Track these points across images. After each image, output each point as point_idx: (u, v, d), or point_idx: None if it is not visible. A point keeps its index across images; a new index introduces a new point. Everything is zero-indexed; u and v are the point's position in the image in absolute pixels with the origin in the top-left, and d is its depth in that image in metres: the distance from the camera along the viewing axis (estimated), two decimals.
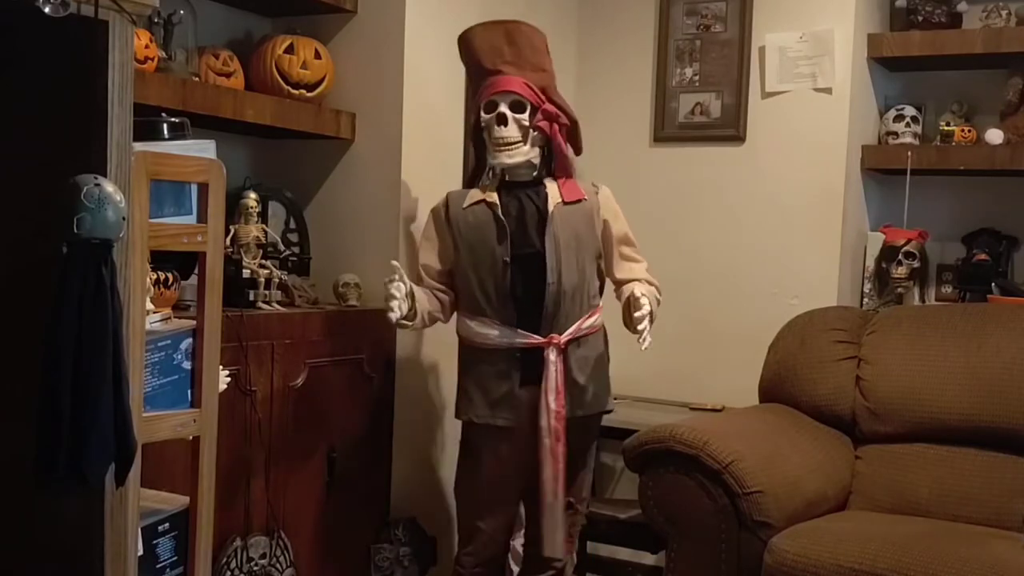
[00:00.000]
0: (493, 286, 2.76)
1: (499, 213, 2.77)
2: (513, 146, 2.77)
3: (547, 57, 2.89)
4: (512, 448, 2.80)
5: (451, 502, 3.05)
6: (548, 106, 2.81)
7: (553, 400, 2.74)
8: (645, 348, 2.70)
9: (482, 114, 2.78)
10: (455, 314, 2.88)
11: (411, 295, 2.71)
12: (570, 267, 2.77)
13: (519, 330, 2.75)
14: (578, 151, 2.96)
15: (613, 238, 2.90)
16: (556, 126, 2.81)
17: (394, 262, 2.69)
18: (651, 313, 2.73)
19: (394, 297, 2.65)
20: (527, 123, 2.78)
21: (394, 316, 2.66)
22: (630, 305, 2.77)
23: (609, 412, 2.96)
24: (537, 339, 2.75)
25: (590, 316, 2.83)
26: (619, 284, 2.91)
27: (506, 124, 2.75)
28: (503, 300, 2.76)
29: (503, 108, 2.76)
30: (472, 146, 2.92)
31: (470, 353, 2.84)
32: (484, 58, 2.81)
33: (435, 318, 2.85)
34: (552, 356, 2.75)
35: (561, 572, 2.98)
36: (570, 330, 2.78)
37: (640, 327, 2.70)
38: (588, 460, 2.97)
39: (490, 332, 2.77)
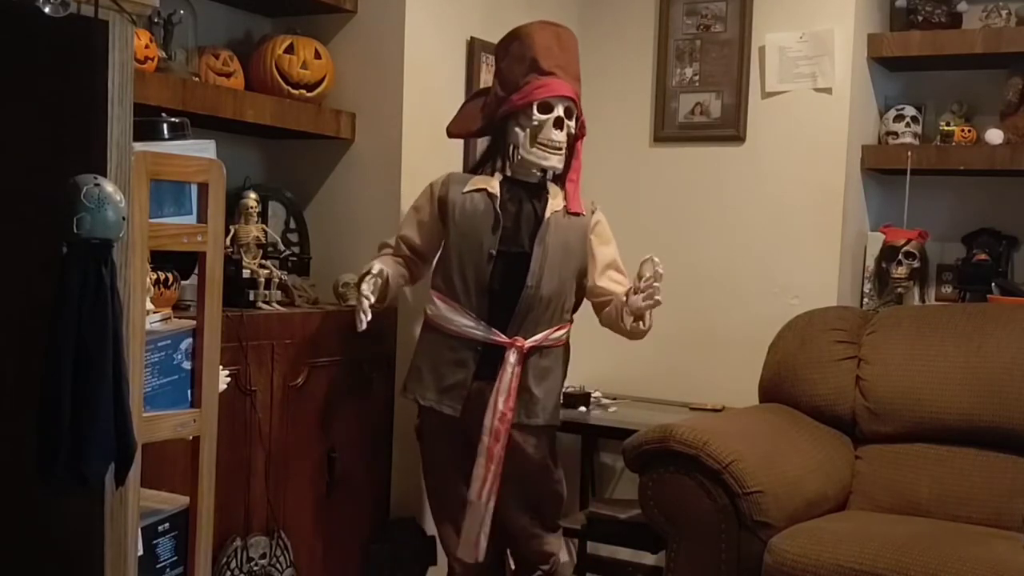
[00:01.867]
0: (473, 275, 2.77)
1: (497, 205, 2.78)
2: (560, 151, 2.80)
3: (580, 67, 2.92)
4: (457, 440, 2.82)
5: None
6: (583, 118, 2.86)
7: (502, 402, 2.74)
8: (657, 299, 2.67)
9: (535, 112, 2.77)
10: (430, 293, 2.88)
11: (385, 283, 2.76)
12: (552, 275, 2.78)
13: (487, 325, 2.76)
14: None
15: (598, 262, 2.88)
16: (581, 139, 2.87)
17: (364, 287, 2.70)
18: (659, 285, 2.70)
19: (364, 313, 2.67)
20: (573, 131, 2.82)
21: (361, 328, 2.69)
22: (637, 278, 2.73)
23: (557, 428, 2.93)
24: (502, 338, 2.76)
25: (559, 329, 2.84)
26: (603, 292, 2.88)
27: (562, 128, 2.78)
28: (479, 292, 2.77)
29: (561, 112, 2.78)
30: (490, 133, 2.90)
31: (433, 334, 2.84)
32: (542, 56, 2.79)
33: (400, 284, 2.90)
34: (512, 358, 2.75)
35: (551, 572, 2.98)
36: (536, 337, 2.78)
37: (656, 282, 2.65)
38: (550, 481, 2.92)
39: (458, 319, 2.78)
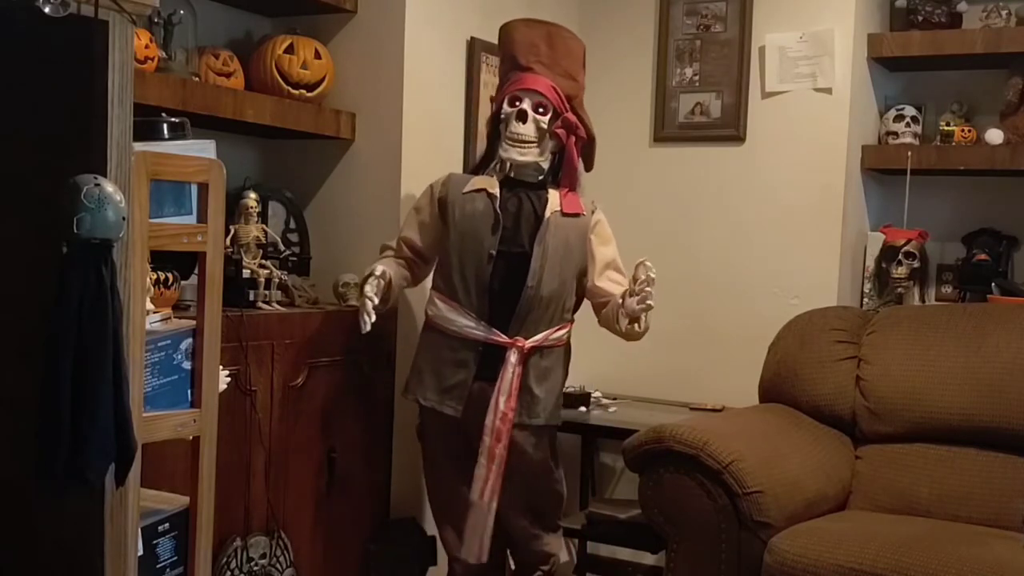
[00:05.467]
0: (473, 275, 2.77)
1: (497, 206, 2.78)
2: (526, 144, 2.78)
3: (581, 68, 2.93)
4: (458, 440, 2.82)
5: None
6: (569, 115, 2.83)
7: (504, 402, 2.74)
8: (649, 303, 2.66)
9: (505, 106, 2.79)
10: (430, 294, 2.88)
11: (388, 284, 2.75)
12: (552, 275, 2.78)
13: (488, 325, 2.76)
14: (589, 167, 2.98)
15: (598, 262, 2.88)
16: (573, 138, 2.83)
17: (368, 288, 2.69)
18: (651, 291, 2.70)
19: (368, 315, 2.67)
20: (546, 126, 2.80)
21: (365, 330, 2.69)
22: (632, 281, 2.73)
23: (558, 427, 2.94)
24: (503, 338, 2.76)
25: (560, 328, 2.84)
26: (602, 293, 2.88)
27: (524, 121, 2.77)
28: (480, 291, 2.76)
29: (525, 105, 2.78)
30: (487, 135, 2.92)
31: (434, 335, 2.84)
32: (519, 52, 2.82)
33: (402, 286, 2.90)
34: (513, 358, 2.75)
35: (551, 572, 2.98)
36: (537, 337, 2.78)
37: (648, 288, 2.65)
38: (551, 480, 2.93)
39: (459, 320, 2.78)
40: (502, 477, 2.77)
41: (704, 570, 2.68)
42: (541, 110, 2.78)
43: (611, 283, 2.89)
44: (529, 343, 2.77)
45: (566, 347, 2.92)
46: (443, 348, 2.81)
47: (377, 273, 2.74)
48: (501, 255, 2.77)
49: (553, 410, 2.87)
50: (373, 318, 2.69)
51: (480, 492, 2.77)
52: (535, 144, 2.79)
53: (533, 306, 2.76)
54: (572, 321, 2.91)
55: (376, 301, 2.70)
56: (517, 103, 2.78)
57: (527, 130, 2.77)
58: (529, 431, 2.81)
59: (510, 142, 2.79)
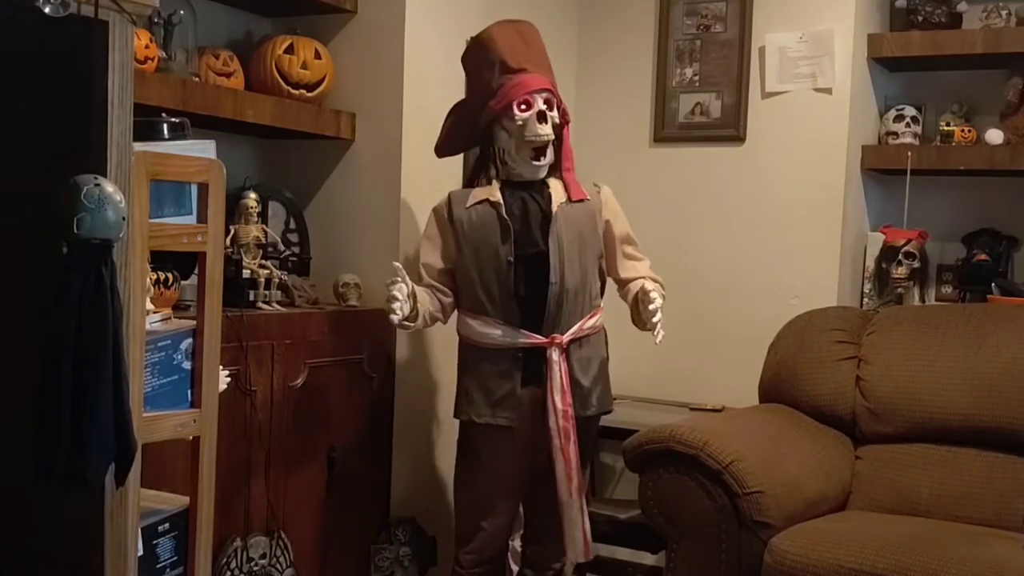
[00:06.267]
0: (496, 286, 2.76)
1: (503, 213, 2.77)
2: (546, 147, 2.77)
3: (548, 56, 2.91)
4: (513, 448, 2.80)
5: (451, 502, 3.05)
6: (564, 104, 2.84)
7: (560, 400, 2.74)
8: (659, 341, 2.73)
9: (516, 112, 2.75)
10: (455, 313, 2.88)
11: (413, 295, 2.71)
12: (573, 267, 2.77)
13: (522, 330, 2.75)
14: None
15: (616, 238, 2.90)
16: (566, 126, 2.85)
17: (396, 264, 2.69)
18: (661, 307, 2.75)
19: (396, 299, 2.64)
20: (558, 121, 2.80)
21: (396, 318, 2.65)
22: (639, 302, 2.79)
23: (609, 412, 2.96)
24: (540, 339, 2.75)
25: (592, 316, 2.84)
26: (623, 283, 2.92)
27: (546, 121, 2.76)
28: (506, 300, 2.75)
29: (541, 105, 2.76)
30: (480, 144, 2.88)
31: (471, 352, 2.83)
32: (508, 56, 2.79)
33: (435, 318, 2.84)
34: (555, 356, 2.75)
35: (560, 572, 2.98)
36: (572, 330, 2.78)
37: (655, 319, 2.72)
38: (586, 461, 2.97)
39: (492, 332, 2.77)
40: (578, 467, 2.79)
41: (704, 570, 2.68)
42: (548, 106, 2.78)
43: (629, 264, 2.91)
44: (566, 337, 2.77)
45: (602, 332, 2.92)
46: (484, 363, 2.80)
47: (400, 277, 2.68)
48: (519, 259, 2.75)
49: (602, 396, 2.88)
50: (407, 305, 2.64)
51: (568, 492, 2.78)
52: (550, 143, 2.79)
53: (561, 301, 2.76)
54: (601, 307, 2.90)
55: (408, 287, 2.65)
56: (528, 106, 2.76)
57: (548, 130, 2.77)
58: (582, 423, 2.82)
59: (526, 152, 2.76)
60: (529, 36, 2.86)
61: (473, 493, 2.88)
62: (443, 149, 2.98)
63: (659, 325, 2.73)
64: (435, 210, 2.87)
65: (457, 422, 2.90)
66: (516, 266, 2.75)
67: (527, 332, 2.75)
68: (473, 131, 2.86)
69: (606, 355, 2.94)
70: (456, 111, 2.95)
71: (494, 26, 2.86)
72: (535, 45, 2.86)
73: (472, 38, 2.87)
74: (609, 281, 2.96)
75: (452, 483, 3.01)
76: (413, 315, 2.72)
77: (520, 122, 2.75)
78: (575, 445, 2.77)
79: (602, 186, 2.92)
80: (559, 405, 2.74)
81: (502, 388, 2.78)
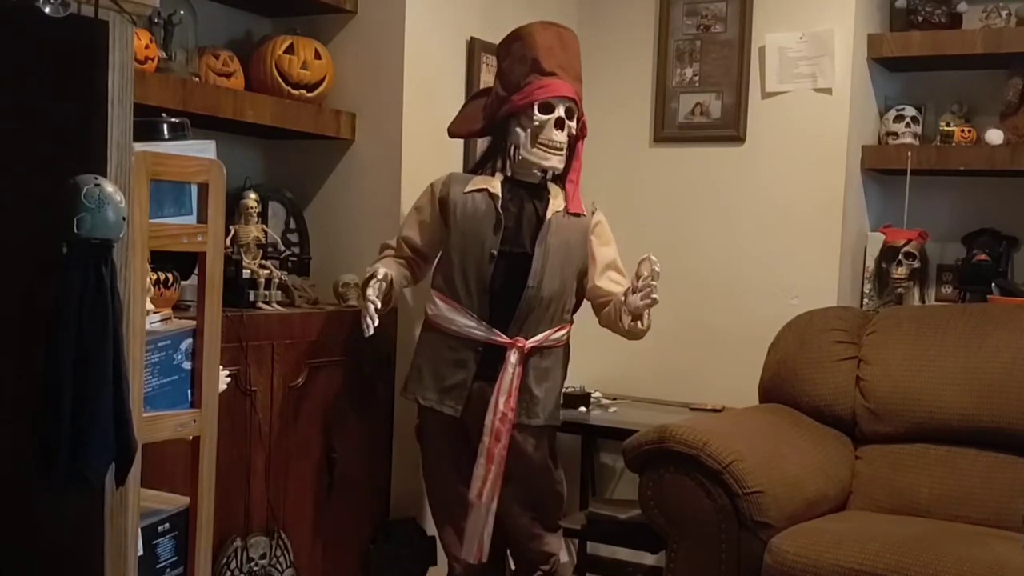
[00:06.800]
0: (475, 275, 2.77)
1: (499, 206, 2.77)
2: (560, 151, 2.79)
3: (581, 67, 2.92)
4: (457, 440, 2.82)
5: None
6: (584, 118, 2.86)
7: (503, 402, 2.74)
8: (642, 303, 2.69)
9: (536, 113, 2.76)
10: (431, 293, 2.88)
11: (390, 286, 2.75)
12: (553, 276, 2.78)
13: (489, 325, 2.76)
14: None
15: (598, 263, 2.89)
16: (582, 139, 2.88)
17: (370, 291, 2.69)
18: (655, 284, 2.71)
19: (371, 318, 2.67)
20: (575, 131, 2.81)
21: (368, 334, 2.69)
22: (631, 287, 2.75)
23: (558, 427, 2.94)
24: (503, 338, 2.76)
25: (560, 329, 2.84)
26: (602, 294, 2.88)
27: (563, 129, 2.78)
28: (480, 292, 2.77)
29: (561, 113, 2.77)
30: (493, 134, 2.90)
31: (433, 334, 2.84)
32: (543, 57, 2.79)
33: (403, 286, 2.89)
34: (513, 358, 2.75)
35: (551, 572, 2.98)
36: (537, 337, 2.79)
37: (653, 282, 2.66)
38: (551, 481, 2.93)
39: (459, 319, 2.78)
40: (502, 477, 2.77)
41: (704, 570, 2.68)
42: (570, 116, 2.80)
43: (612, 283, 2.89)
44: (529, 343, 2.77)
45: (565, 347, 2.92)
46: (443, 348, 2.81)
47: (379, 276, 2.73)
48: (502, 255, 2.77)
49: (553, 410, 2.87)
50: (376, 322, 2.69)
51: (479, 492, 2.77)
52: (564, 149, 2.81)
53: (534, 306, 2.77)
54: (572, 322, 2.91)
55: (379, 304, 2.70)
56: (550, 110, 2.77)
57: (563, 138, 2.79)
58: (529, 431, 2.81)
59: (545, 148, 2.77)
60: (568, 42, 2.87)
61: (432, 486, 2.92)
62: (456, 128, 2.97)
63: (652, 292, 2.67)
64: (432, 184, 2.89)
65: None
66: (498, 261, 2.76)
67: (493, 329, 2.76)
68: (491, 120, 2.87)
69: (564, 372, 2.93)
70: (479, 96, 2.96)
71: (537, 24, 2.86)
72: (572, 53, 2.87)
73: (513, 31, 2.88)
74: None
75: None
76: (387, 307, 2.77)
77: (538, 123, 2.77)
78: (504, 449, 2.76)
79: (597, 209, 2.92)
80: (501, 407, 2.74)
81: (455, 376, 2.79)
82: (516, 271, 2.76)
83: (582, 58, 2.94)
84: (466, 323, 2.77)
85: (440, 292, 2.83)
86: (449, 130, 2.97)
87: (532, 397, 2.80)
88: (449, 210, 2.82)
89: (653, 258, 2.68)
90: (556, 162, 2.81)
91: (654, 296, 2.69)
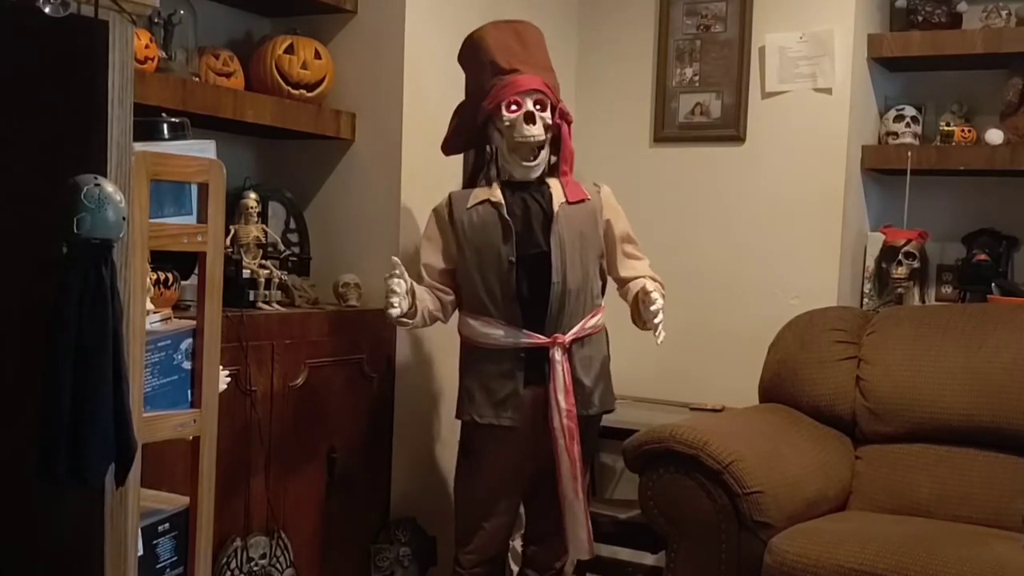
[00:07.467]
0: (498, 286, 2.76)
1: (504, 213, 2.76)
2: (539, 148, 2.77)
3: (549, 56, 2.90)
4: (515, 448, 2.80)
5: (451, 502, 3.05)
6: (562, 104, 2.83)
7: (563, 399, 2.74)
8: (660, 342, 2.73)
9: (504, 113, 2.75)
10: (456, 313, 2.88)
11: (412, 292, 2.71)
12: (575, 267, 2.77)
13: (524, 330, 2.75)
14: None
15: (616, 237, 2.90)
16: (567, 126, 2.84)
17: (395, 258, 2.69)
18: (662, 308, 2.75)
19: (395, 293, 2.64)
20: (550, 121, 2.79)
21: (394, 312, 2.65)
22: (639, 302, 2.79)
23: (611, 411, 2.97)
24: (542, 339, 2.75)
25: (593, 316, 2.84)
26: (623, 282, 2.92)
27: (534, 122, 2.75)
28: (508, 300, 2.75)
29: (530, 106, 2.75)
30: (476, 144, 2.89)
31: (473, 353, 2.83)
32: (499, 57, 2.78)
33: (435, 317, 2.84)
34: (558, 356, 2.75)
35: (560, 572, 2.98)
36: (574, 330, 2.78)
37: (656, 320, 2.72)
38: (587, 460, 2.97)
39: (494, 332, 2.77)
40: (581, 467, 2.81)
41: (704, 570, 2.68)
42: (539, 107, 2.77)
43: (630, 262, 2.91)
44: (568, 337, 2.77)
45: (604, 331, 2.93)
46: (486, 363, 2.80)
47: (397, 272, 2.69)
48: (521, 259, 2.74)
49: (604, 395, 2.88)
50: (405, 301, 2.64)
51: (573, 491, 2.79)
52: (545, 142, 2.78)
53: (563, 301, 2.76)
54: (602, 306, 2.90)
55: (407, 284, 2.65)
56: (517, 107, 2.76)
57: (537, 131, 2.75)
58: (584, 422, 2.82)
59: (521, 149, 2.76)
60: (526, 36, 2.85)
61: (474, 493, 2.87)
62: (447, 147, 2.99)
63: (660, 326, 2.73)
64: (435, 210, 2.87)
65: (458, 422, 2.90)
66: (518, 267, 2.74)
67: (529, 332, 2.75)
68: (470, 131, 2.86)
69: (607, 354, 2.94)
70: (458, 111, 2.95)
71: (488, 26, 2.85)
72: (532, 45, 2.85)
73: (467, 37, 2.87)
74: (610, 280, 2.97)
75: (452, 483, 3.01)
76: (412, 311, 2.71)
77: (508, 123, 2.75)
78: (579, 444, 2.77)
79: (602, 186, 2.92)
80: (563, 404, 2.74)
81: (505, 388, 2.78)
82: (538, 271, 2.75)
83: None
84: (502, 334, 2.76)
85: (470, 312, 2.82)
86: (442, 149, 2.98)
87: (583, 388, 2.81)
88: (458, 229, 2.80)
89: (653, 296, 2.72)
90: (538, 164, 2.78)
91: (663, 334, 2.74)
